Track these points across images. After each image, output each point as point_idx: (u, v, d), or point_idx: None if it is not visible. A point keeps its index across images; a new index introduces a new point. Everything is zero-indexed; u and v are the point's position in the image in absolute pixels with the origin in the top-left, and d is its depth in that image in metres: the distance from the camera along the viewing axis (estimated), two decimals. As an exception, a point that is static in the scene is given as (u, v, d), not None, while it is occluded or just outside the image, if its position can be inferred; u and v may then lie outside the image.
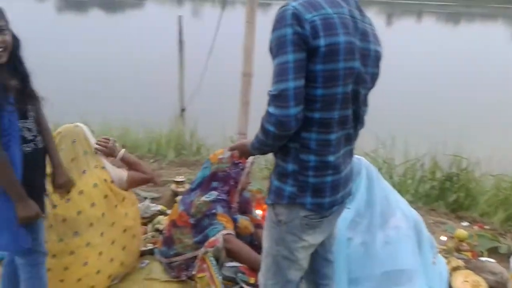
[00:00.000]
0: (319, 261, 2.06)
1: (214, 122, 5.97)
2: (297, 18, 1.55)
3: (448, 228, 3.99)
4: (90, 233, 2.67)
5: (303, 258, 1.88)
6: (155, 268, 2.96)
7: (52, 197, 2.44)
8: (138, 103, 8.64)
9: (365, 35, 1.71)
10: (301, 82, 1.57)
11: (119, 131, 5.95)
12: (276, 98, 1.57)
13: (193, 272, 2.72)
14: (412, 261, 2.57)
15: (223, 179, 2.94)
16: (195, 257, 2.79)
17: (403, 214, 2.69)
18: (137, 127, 6.19)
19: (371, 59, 1.74)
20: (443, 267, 2.90)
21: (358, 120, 1.82)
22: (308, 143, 1.68)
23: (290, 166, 1.72)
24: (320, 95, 1.62)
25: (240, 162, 2.95)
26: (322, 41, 1.55)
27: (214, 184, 2.94)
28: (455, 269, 3.06)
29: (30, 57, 2.10)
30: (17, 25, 1.99)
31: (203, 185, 2.97)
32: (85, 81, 10.23)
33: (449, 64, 14.04)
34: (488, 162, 5.08)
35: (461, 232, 3.63)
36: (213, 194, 2.88)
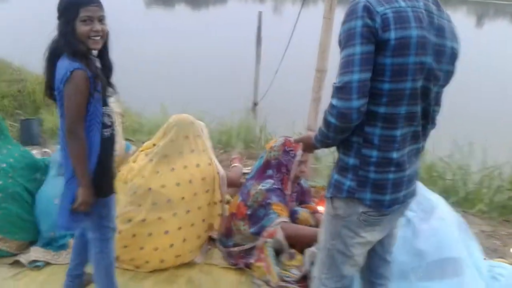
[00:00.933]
0: (376, 260, 2.03)
1: (284, 117, 6.00)
2: (368, 10, 1.53)
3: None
4: (180, 205, 2.86)
5: (359, 254, 1.86)
6: (216, 254, 3.05)
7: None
8: (214, 95, 8.89)
9: (442, 30, 1.65)
10: (367, 75, 1.55)
11: (194, 120, 6.16)
12: (340, 90, 1.57)
13: (251, 261, 2.78)
14: (458, 249, 2.48)
15: (276, 166, 2.98)
16: (253, 248, 2.85)
17: (447, 208, 2.64)
18: (210, 117, 6.38)
19: (446, 55, 1.68)
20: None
21: (427, 119, 1.76)
22: (371, 138, 1.65)
23: (352, 160, 1.71)
24: (387, 89, 1.59)
25: (291, 150, 2.96)
26: (392, 34, 1.52)
27: (269, 172, 2.98)
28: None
29: (118, 48, 2.23)
30: (108, 17, 2.12)
31: (258, 173, 3.03)
32: (166, 72, 10.69)
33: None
34: None
35: (534, 245, 3.46)
36: (269, 183, 2.93)
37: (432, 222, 2.52)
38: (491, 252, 3.50)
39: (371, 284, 2.08)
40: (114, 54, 2.17)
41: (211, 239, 3.14)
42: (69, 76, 1.92)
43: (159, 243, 2.81)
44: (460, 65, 1.78)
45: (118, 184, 2.75)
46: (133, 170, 2.97)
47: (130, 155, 3.29)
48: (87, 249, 2.36)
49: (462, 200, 4.39)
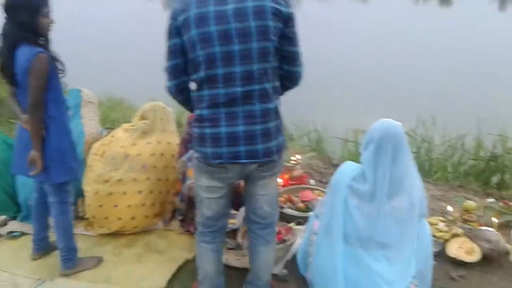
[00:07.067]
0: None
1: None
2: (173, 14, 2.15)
3: (458, 200, 3.94)
4: (153, 172, 3.39)
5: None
6: (174, 223, 3.63)
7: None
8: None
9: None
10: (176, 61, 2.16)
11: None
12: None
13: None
14: (401, 243, 2.57)
15: None
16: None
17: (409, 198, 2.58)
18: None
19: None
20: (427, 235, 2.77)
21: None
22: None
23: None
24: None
25: None
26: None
27: None
28: (453, 236, 3.29)
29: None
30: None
31: None
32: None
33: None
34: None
35: (469, 203, 3.72)
36: None
37: (388, 208, 2.50)
38: (435, 213, 3.76)
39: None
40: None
41: (173, 210, 3.63)
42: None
43: (132, 200, 3.26)
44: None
45: (94, 157, 3.39)
46: (111, 142, 3.47)
47: (102, 137, 3.74)
48: (45, 215, 2.83)
49: (426, 170, 4.43)
